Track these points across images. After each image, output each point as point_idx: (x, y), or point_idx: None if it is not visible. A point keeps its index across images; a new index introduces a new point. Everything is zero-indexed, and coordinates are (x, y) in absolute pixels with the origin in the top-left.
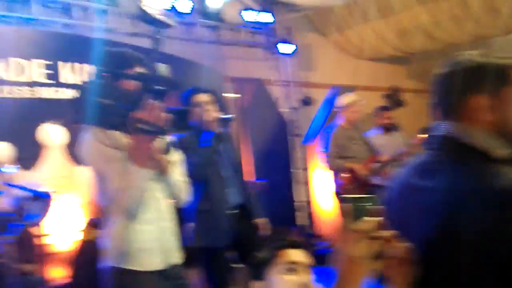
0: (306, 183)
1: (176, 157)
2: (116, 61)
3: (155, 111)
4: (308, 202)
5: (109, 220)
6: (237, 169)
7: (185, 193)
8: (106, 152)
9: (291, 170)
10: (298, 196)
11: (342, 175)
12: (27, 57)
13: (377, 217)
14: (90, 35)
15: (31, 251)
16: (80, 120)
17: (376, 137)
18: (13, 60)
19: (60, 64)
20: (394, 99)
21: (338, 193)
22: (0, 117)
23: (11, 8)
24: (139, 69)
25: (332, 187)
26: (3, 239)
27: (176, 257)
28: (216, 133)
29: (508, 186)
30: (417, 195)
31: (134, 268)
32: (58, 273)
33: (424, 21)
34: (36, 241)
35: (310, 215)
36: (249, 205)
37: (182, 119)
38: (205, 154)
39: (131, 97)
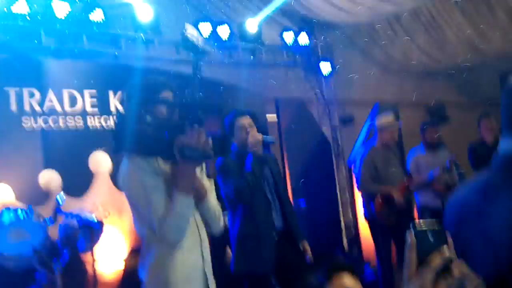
0: (352, 204)
1: (209, 183)
2: (143, 88)
3: (199, 136)
4: (355, 224)
5: (149, 250)
6: (282, 192)
7: (220, 220)
8: (147, 180)
9: (336, 191)
10: (344, 217)
11: (376, 199)
12: (79, 89)
13: (448, 250)
14: (137, 64)
15: (82, 278)
16: (120, 148)
17: (420, 155)
18: (66, 92)
19: (110, 93)
20: (439, 114)
21: (368, 218)
22: (52, 146)
23: (63, 42)
24: (166, 94)
25: (363, 211)
26: (56, 266)
27: (213, 284)
28: (260, 156)
29: None
30: (482, 222)
31: None
32: None
33: (468, 34)
34: (86, 268)
35: (356, 238)
36: (293, 229)
37: (223, 144)
38: (249, 177)
39: (170, 123)
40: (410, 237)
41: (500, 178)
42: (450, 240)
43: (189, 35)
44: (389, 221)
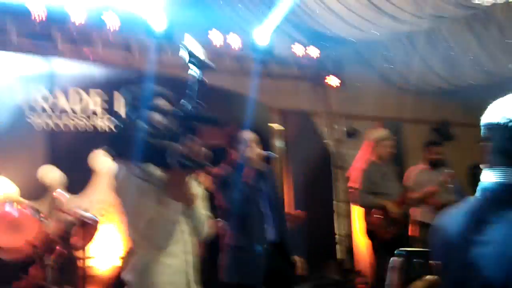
0: (348, 216)
1: (199, 191)
2: (138, 95)
3: (194, 146)
4: (349, 236)
5: (136, 253)
6: (276, 206)
7: (207, 227)
8: (140, 185)
9: (334, 202)
10: (339, 229)
11: (374, 213)
12: (85, 88)
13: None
14: (146, 69)
15: (74, 274)
16: (115, 152)
17: (421, 172)
18: (72, 90)
19: (116, 95)
20: (443, 133)
21: (369, 232)
22: (56, 143)
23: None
24: (160, 102)
25: (363, 225)
26: (48, 261)
27: None
28: (259, 170)
29: None
30: (474, 250)
31: None
32: None
33: (475, 52)
34: (79, 264)
35: (350, 249)
36: (286, 242)
37: (219, 155)
38: (246, 190)
39: (165, 132)
40: (395, 260)
41: (495, 206)
42: (434, 269)
43: (193, 51)
44: (385, 235)
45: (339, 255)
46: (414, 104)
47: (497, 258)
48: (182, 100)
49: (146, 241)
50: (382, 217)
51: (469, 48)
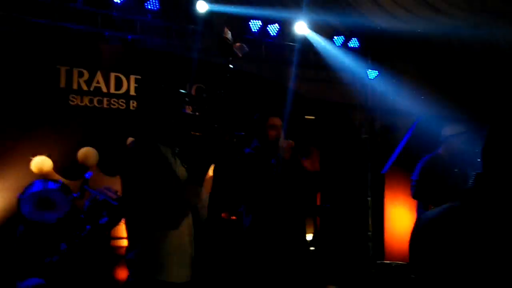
0: (381, 212)
1: (183, 173)
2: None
3: (224, 136)
4: (382, 232)
5: (144, 233)
6: (297, 196)
7: (206, 209)
8: (157, 165)
9: (368, 198)
10: (372, 224)
11: (430, 208)
12: (126, 73)
13: None
14: (186, 54)
15: (103, 253)
16: (136, 133)
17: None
18: (113, 75)
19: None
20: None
21: None
22: (96, 125)
23: (117, 27)
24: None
25: (410, 217)
26: (78, 238)
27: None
28: (282, 158)
29: None
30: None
31: (171, 280)
32: (124, 274)
33: None
34: (106, 243)
35: (381, 246)
36: (300, 231)
37: (244, 142)
38: (267, 178)
39: (195, 120)
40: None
41: (475, 213)
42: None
43: (226, 39)
44: None
45: (371, 252)
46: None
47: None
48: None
49: (159, 220)
50: None
51: None
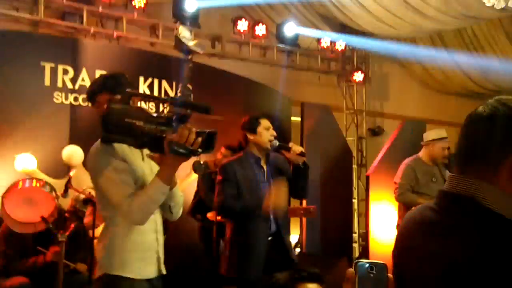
0: (365, 214)
1: (155, 170)
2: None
3: (189, 134)
4: (366, 234)
5: (108, 231)
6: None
7: (180, 208)
8: (116, 164)
9: (352, 200)
10: (356, 226)
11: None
12: (110, 71)
13: None
14: (171, 54)
15: (85, 251)
16: (108, 137)
17: None
18: (98, 72)
19: (141, 79)
20: None
21: (399, 226)
22: (79, 123)
23: (102, 25)
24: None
25: (395, 219)
26: (63, 238)
27: (163, 268)
28: (270, 159)
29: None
30: (421, 260)
31: (132, 276)
32: None
33: (508, 55)
34: (90, 242)
35: (366, 247)
36: (285, 232)
37: (211, 141)
38: (250, 179)
39: (160, 119)
40: (349, 271)
41: (449, 217)
42: (392, 284)
43: (181, 37)
44: None
45: (355, 253)
46: (444, 106)
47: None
48: (180, 87)
49: (125, 217)
50: None
51: (502, 50)
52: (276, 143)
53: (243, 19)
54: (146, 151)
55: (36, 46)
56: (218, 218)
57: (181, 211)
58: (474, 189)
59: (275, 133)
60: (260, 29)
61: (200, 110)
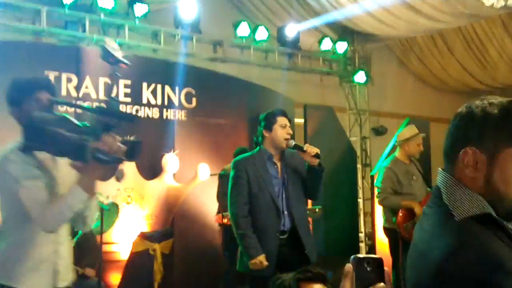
0: (371, 213)
1: (73, 176)
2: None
3: (112, 142)
4: (372, 233)
5: (2, 239)
6: (296, 194)
7: (93, 219)
8: (29, 171)
9: (358, 199)
10: (362, 226)
11: (398, 212)
12: (116, 78)
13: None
14: (175, 60)
15: (93, 257)
16: (30, 146)
17: None
18: (102, 80)
19: (144, 85)
20: None
21: (387, 228)
22: None
23: (104, 32)
24: (41, 96)
25: (382, 221)
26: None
27: (65, 280)
28: (286, 156)
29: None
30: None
31: (19, 287)
32: (115, 280)
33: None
34: (98, 247)
35: (372, 247)
36: (303, 231)
37: (135, 150)
38: (262, 175)
39: (83, 127)
40: (347, 266)
41: (430, 209)
42: (388, 277)
43: (109, 48)
44: (410, 235)
45: (362, 252)
46: (446, 104)
47: (410, 259)
48: (108, 96)
49: (38, 224)
50: (408, 218)
51: (502, 46)
52: (292, 142)
53: (244, 23)
54: (67, 159)
55: (39, 56)
56: (225, 221)
57: (93, 224)
58: (443, 184)
59: (291, 131)
60: (261, 33)
61: (125, 119)
